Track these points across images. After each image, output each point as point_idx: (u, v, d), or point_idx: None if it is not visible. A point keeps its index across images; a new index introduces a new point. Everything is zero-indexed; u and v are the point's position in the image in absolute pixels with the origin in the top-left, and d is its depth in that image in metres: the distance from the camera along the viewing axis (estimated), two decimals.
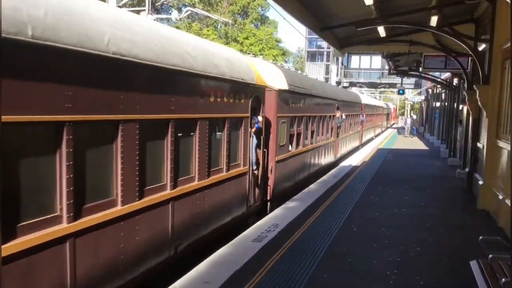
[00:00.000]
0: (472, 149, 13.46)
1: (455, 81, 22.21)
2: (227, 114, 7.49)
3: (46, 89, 3.76)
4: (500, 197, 9.84)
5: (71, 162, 4.15)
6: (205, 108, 6.61)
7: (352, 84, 52.78)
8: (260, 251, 7.34)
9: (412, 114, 56.33)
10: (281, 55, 52.99)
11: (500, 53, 10.78)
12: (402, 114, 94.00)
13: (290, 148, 11.76)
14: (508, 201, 9.15)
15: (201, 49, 6.63)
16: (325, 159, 16.28)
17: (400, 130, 50.27)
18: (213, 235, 7.17)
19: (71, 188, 4.19)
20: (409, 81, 50.71)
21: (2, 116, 3.33)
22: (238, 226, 8.27)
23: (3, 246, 3.47)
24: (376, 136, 37.52)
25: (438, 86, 31.52)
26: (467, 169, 14.12)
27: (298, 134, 12.35)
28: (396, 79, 47.90)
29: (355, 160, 21.23)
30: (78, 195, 4.28)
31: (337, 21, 12.94)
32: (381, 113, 45.24)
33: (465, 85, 14.89)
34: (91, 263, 4.40)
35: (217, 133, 7.31)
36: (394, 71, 22.89)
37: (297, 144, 12.34)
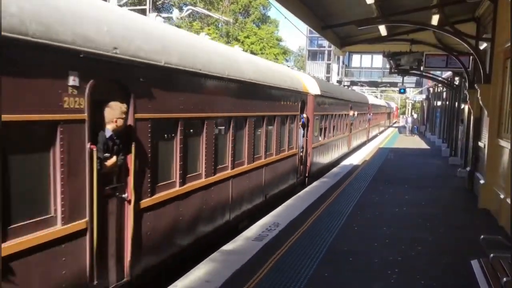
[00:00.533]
0: (473, 148, 13.45)
1: (456, 80, 22.20)
2: (289, 112, 10.98)
3: (171, 98, 5.75)
4: (501, 196, 9.84)
5: (181, 146, 6.06)
6: (280, 108, 10.08)
7: (353, 83, 52.76)
8: (261, 250, 7.35)
9: (413, 113, 56.28)
10: (282, 54, 53.00)
11: (501, 52, 10.77)
12: (403, 113, 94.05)
13: (319, 138, 15.19)
14: (509, 200, 9.14)
15: (277, 71, 10.59)
16: (342, 150, 19.76)
17: (401, 129, 50.29)
18: (279, 194, 10.73)
19: (180, 163, 6.08)
20: (410, 80, 50.66)
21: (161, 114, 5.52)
22: (289, 192, 11.71)
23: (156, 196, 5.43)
24: (380, 133, 38.24)
25: (439, 85, 31.50)
26: (468, 168, 14.11)
27: (325, 128, 15.77)
28: (397, 78, 47.85)
29: (356, 159, 21.24)
30: (183, 168, 6.19)
31: (338, 20, 12.93)
32: (384, 112, 45.27)
33: (466, 84, 14.88)
34: (192, 213, 6.61)
35: (284, 125, 10.68)
36: (395, 70, 22.81)
37: (324, 136, 15.76)
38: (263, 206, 9.52)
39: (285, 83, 10.54)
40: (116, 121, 4.83)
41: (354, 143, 24.74)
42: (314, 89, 13.97)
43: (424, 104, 48.65)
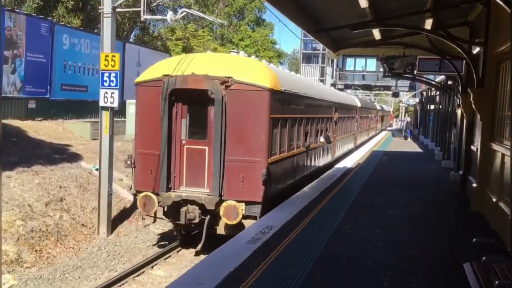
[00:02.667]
0: (465, 151, 13.52)
1: (450, 83, 22.31)
2: (351, 115, 22.46)
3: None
4: (494, 199, 9.88)
5: (289, 132, 11.58)
6: (348, 113, 21.82)
7: (347, 87, 52.87)
8: (255, 253, 7.33)
9: (406, 116, 56.50)
10: (277, 57, 53.09)
11: (494, 56, 10.84)
12: (397, 116, 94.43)
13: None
14: (502, 204, 9.19)
15: (349, 97, 24.75)
16: (350, 145, 24.49)
17: (395, 133, 50.41)
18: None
19: (287, 141, 11.58)
20: (404, 83, 50.79)
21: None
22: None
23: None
24: (370, 138, 38.54)
25: (433, 88, 31.67)
26: (460, 172, 14.18)
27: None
28: (391, 82, 48.06)
29: (349, 162, 21.27)
30: (288, 144, 11.65)
31: (332, 23, 12.96)
32: (376, 115, 45.39)
33: (460, 88, 14.96)
34: (291, 166, 12.27)
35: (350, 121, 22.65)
36: (389, 74, 22.92)
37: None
38: (329, 165, 17.83)
39: (351, 102, 23.25)
40: None
41: (360, 140, 28.87)
42: (356, 102, 23.49)
43: (418, 108, 48.89)
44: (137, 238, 12.06)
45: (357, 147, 26.64)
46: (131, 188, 14.03)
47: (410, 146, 32.10)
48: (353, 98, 27.55)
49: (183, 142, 10.53)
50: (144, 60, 27.24)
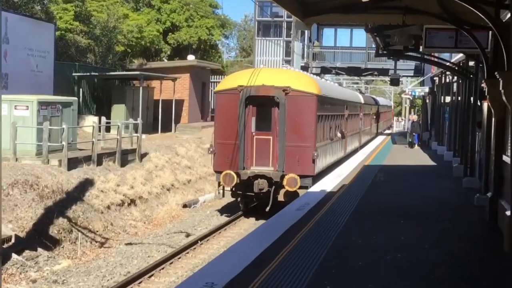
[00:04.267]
0: (495, 164, 13.88)
1: (471, 65, 22.97)
2: (382, 112, 57.71)
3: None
4: None
5: (330, 125, 27.91)
6: (381, 109, 56.96)
7: (325, 71, 53.55)
8: None
9: (412, 114, 57.74)
10: (219, 27, 53.17)
11: None
12: (398, 114, 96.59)
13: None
14: None
15: (382, 100, 65.08)
16: (369, 136, 42.71)
17: (396, 138, 51.42)
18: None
19: (328, 131, 27.41)
20: (406, 65, 51.93)
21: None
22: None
23: None
24: (362, 146, 40.20)
25: (448, 73, 32.56)
26: (489, 194, 14.56)
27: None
28: (388, 63, 49.06)
29: (329, 183, 21.48)
30: (329, 132, 27.71)
31: None
32: (369, 112, 46.43)
33: (485, 72, 15.40)
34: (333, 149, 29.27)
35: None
36: (384, 52, 23.41)
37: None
38: (356, 150, 36.13)
39: (384, 103, 60.77)
40: None
41: (379, 129, 50.42)
42: (387, 102, 46.20)
43: (428, 101, 50.13)
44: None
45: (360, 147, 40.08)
46: None
47: (417, 157, 32.85)
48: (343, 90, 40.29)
49: (253, 133, 23.03)
50: (16, 36, 26.56)
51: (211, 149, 23.73)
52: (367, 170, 25.59)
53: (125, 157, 26.12)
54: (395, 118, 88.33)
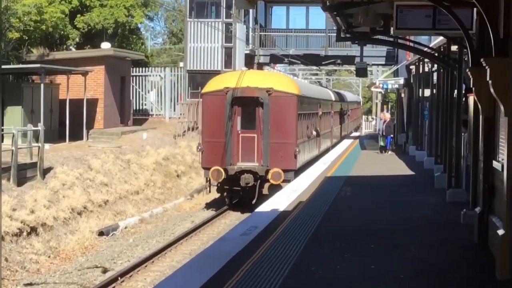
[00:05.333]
0: (484, 172, 14.10)
1: (454, 50, 23.32)
2: (348, 109, 65.90)
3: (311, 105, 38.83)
4: None
5: (306, 122, 37.18)
6: (350, 107, 68.56)
7: (275, 60, 53.76)
8: None
9: (385, 112, 58.40)
10: (141, 7, 52.75)
11: None
12: (369, 112, 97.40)
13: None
14: None
15: (350, 95, 77.99)
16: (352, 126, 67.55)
17: (366, 141, 51.86)
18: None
19: (304, 128, 37.05)
20: (376, 52, 52.52)
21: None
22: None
23: None
24: (336, 144, 47.83)
25: (426, 60, 33.02)
26: (478, 209, 14.80)
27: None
28: (354, 49, 49.52)
29: (283, 200, 21.54)
30: (306, 129, 36.72)
31: None
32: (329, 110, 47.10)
33: (469, 58, 15.67)
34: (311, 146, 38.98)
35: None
36: (347, 35, 23.58)
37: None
38: (330, 148, 46.56)
39: (353, 99, 76.11)
40: None
41: (348, 129, 63.05)
42: (355, 98, 77.96)
43: (403, 95, 50.73)
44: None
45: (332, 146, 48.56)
46: None
47: (391, 165, 33.24)
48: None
49: (239, 131, 30.76)
50: None
51: (199, 147, 31.95)
52: (329, 182, 25.77)
53: (23, 174, 25.75)
54: (364, 117, 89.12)
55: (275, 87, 31.05)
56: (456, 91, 21.98)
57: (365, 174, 28.95)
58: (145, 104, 52.83)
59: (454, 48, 23.06)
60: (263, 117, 30.73)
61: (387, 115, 44.28)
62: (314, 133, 38.07)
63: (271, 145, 30.59)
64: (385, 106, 74.34)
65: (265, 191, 30.02)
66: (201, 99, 35.02)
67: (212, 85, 32.89)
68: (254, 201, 29.16)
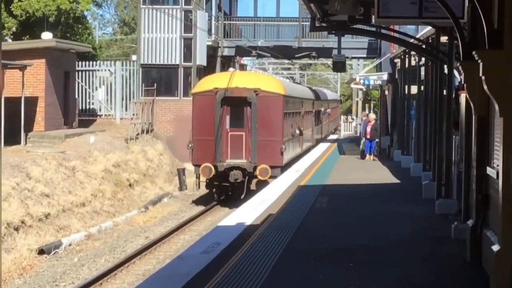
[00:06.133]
0: (477, 179, 14.18)
1: (444, 41, 23.46)
2: (331, 108, 77.60)
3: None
4: None
5: (290, 121, 45.27)
6: (330, 105, 76.38)
7: (241, 52, 53.80)
8: None
9: (366, 111, 58.68)
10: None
11: None
12: (348, 111, 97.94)
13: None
14: None
15: (329, 93, 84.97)
16: (329, 128, 74.03)
17: (345, 145, 52.04)
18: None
19: (290, 126, 45.32)
20: (356, 43, 52.80)
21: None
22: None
23: None
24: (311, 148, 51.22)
25: (413, 52, 33.21)
26: (471, 221, 14.88)
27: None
28: (331, 40, 49.69)
29: (251, 213, 21.52)
30: (291, 128, 45.24)
31: None
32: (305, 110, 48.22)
33: (460, 51, 15.75)
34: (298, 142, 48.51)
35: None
36: (322, 24, 23.61)
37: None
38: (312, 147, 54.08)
39: (331, 97, 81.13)
40: None
41: (329, 129, 75.13)
42: (334, 96, 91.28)
43: (387, 93, 50.99)
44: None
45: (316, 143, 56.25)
46: None
47: (374, 172, 33.38)
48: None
49: (228, 130, 38.15)
50: None
51: (190, 145, 38.25)
52: (303, 192, 25.82)
53: None
54: (342, 117, 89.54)
55: (262, 87, 37.87)
56: (446, 87, 22.10)
57: (343, 183, 29.02)
58: (93, 103, 52.42)
59: (443, 39, 23.18)
60: (251, 116, 37.42)
61: (372, 116, 43.55)
62: (298, 131, 45.04)
63: (258, 142, 37.17)
64: (366, 105, 74.79)
65: (253, 186, 36.30)
66: (191, 98, 41.92)
67: (202, 85, 40.19)
68: (242, 196, 35.24)
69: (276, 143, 37.71)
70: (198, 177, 38.13)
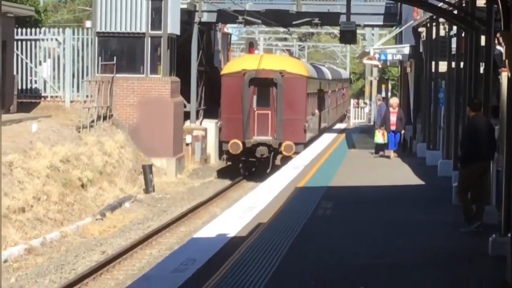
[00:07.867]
0: None
1: (482, 6, 23.54)
2: (329, 90, 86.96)
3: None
4: None
5: (317, 100, 73.33)
6: (344, 85, 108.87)
7: (224, 18, 53.90)
8: None
9: (383, 95, 58.94)
10: None
11: None
12: (360, 93, 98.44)
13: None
14: None
15: (337, 71, 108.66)
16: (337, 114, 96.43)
17: (355, 137, 52.21)
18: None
19: (317, 105, 73.06)
20: (370, 7, 52.99)
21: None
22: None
23: None
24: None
25: (442, 20, 33.26)
26: None
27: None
28: (338, 3, 49.85)
29: (236, 220, 21.56)
30: (319, 107, 73.74)
31: None
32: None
33: (501, 19, 15.83)
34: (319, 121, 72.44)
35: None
36: None
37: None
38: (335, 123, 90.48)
39: (342, 75, 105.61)
40: None
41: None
42: (346, 74, 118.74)
43: (409, 71, 51.14)
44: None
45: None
46: None
47: (391, 171, 33.55)
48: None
49: (255, 109, 57.85)
50: None
51: (219, 123, 54.14)
52: (302, 196, 25.91)
53: None
54: (353, 101, 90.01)
55: (287, 69, 53.21)
56: (483, 64, 22.12)
57: (352, 185, 29.10)
58: (36, 82, 52.24)
59: (481, 3, 23.24)
60: (277, 96, 52.61)
61: (395, 102, 42.28)
62: (316, 111, 61.77)
63: (283, 121, 52.20)
64: (383, 86, 75.09)
65: (277, 162, 50.71)
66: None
67: (230, 67, 57.06)
68: (268, 170, 49.08)
69: (299, 122, 52.47)
70: (226, 153, 52.78)
